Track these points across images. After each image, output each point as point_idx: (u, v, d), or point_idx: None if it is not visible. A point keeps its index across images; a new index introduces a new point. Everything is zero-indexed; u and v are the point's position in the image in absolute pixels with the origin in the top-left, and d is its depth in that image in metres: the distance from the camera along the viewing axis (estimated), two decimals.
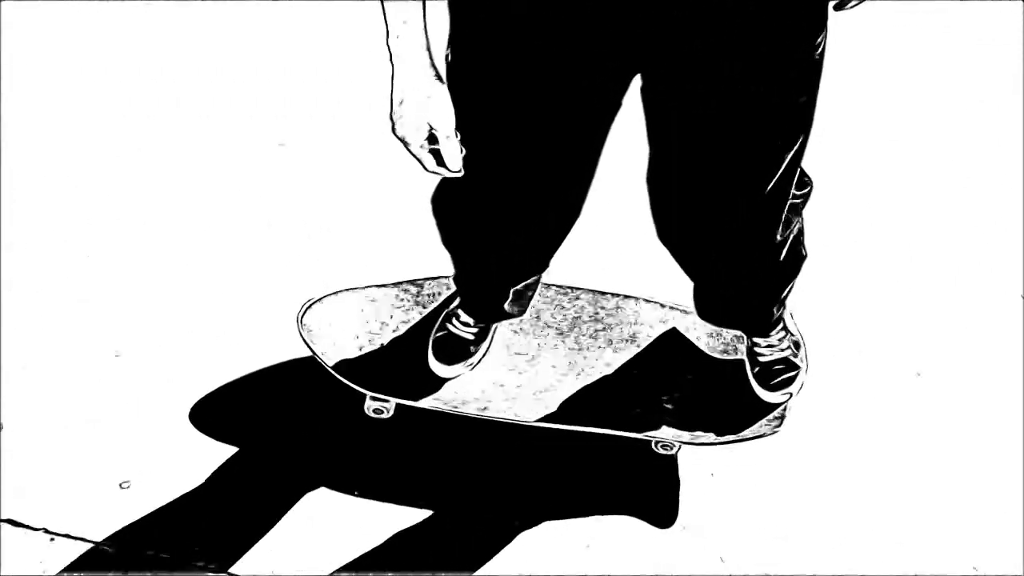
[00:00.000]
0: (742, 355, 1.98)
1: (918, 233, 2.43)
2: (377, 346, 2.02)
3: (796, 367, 1.92)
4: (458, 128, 1.30)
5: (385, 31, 1.24)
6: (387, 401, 1.99)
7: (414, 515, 1.92)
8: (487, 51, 1.31)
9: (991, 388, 2.15)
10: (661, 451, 1.94)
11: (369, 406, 2.01)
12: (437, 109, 1.27)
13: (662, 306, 2.07)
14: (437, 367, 1.98)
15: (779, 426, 1.90)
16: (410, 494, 1.95)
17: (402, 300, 2.08)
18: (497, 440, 2.02)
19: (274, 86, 2.70)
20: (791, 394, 1.91)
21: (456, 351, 1.97)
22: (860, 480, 1.99)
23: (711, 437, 1.87)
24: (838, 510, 1.94)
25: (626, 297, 2.09)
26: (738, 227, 1.48)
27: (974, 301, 2.30)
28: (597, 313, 2.07)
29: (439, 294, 2.09)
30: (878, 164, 2.58)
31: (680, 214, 1.50)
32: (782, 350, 1.92)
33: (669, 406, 1.91)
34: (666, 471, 1.95)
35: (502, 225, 1.55)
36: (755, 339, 1.92)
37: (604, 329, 2.04)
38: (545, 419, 1.90)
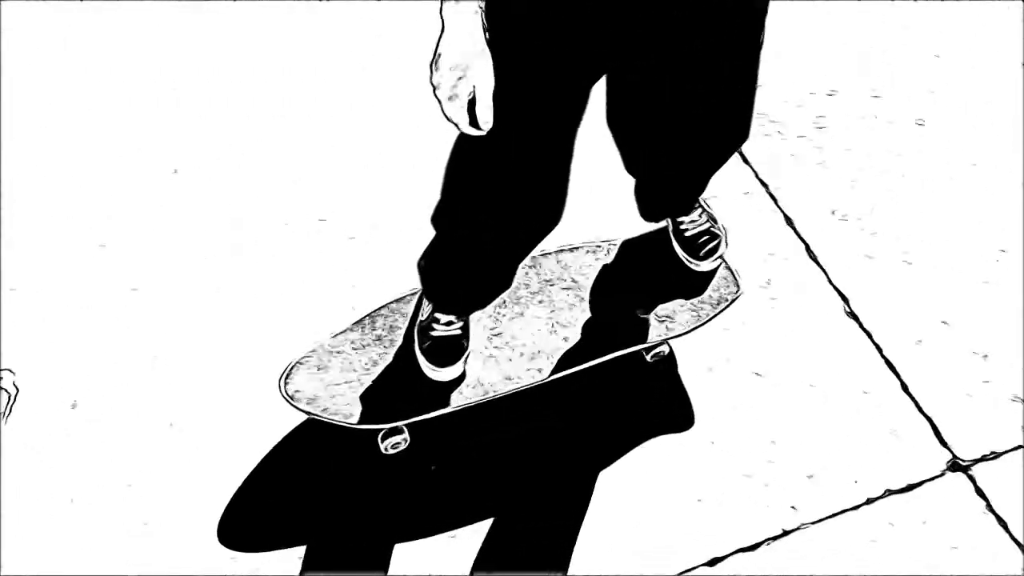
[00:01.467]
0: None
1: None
2: (366, 386, 2.07)
3: (717, 235, 2.16)
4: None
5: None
6: (402, 432, 2.06)
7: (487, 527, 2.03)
8: (519, 32, 1.47)
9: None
10: (653, 359, 2.17)
11: (386, 444, 2.06)
12: (483, 75, 1.42)
13: (597, 246, 2.23)
14: (437, 373, 2.05)
15: (738, 289, 2.16)
16: (470, 508, 2.05)
17: (364, 338, 2.13)
18: (516, 428, 2.14)
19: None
20: (721, 258, 2.17)
21: (451, 351, 2.06)
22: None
23: (691, 323, 2.11)
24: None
25: (562, 251, 2.22)
26: (710, 155, 1.80)
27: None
28: (548, 273, 2.20)
29: (395, 322, 2.16)
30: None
31: (653, 153, 1.77)
32: (703, 223, 2.16)
33: (643, 315, 2.12)
34: (668, 378, 2.19)
35: (530, 180, 1.69)
36: (680, 219, 2.15)
37: (558, 281, 2.19)
38: (555, 371, 2.06)
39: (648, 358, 2.17)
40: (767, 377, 2.19)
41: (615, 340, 2.10)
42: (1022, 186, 2.48)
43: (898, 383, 2.19)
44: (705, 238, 2.16)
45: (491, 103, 1.45)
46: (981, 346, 2.22)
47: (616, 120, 1.76)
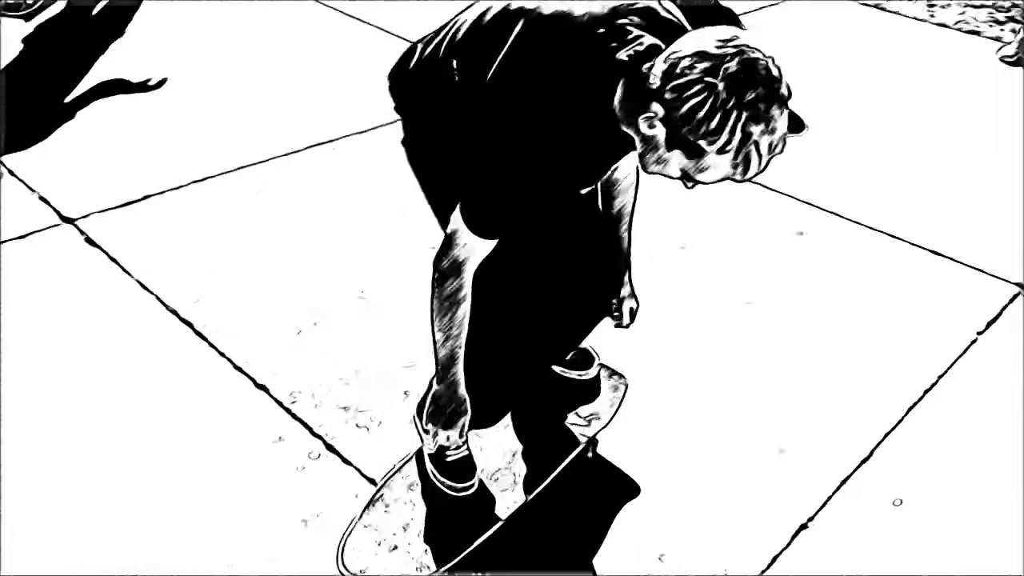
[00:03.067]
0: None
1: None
2: (412, 541, 2.46)
3: (586, 349, 2.83)
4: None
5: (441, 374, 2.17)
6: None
7: None
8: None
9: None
10: (591, 455, 2.79)
11: None
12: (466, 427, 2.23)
13: None
14: (461, 489, 2.49)
15: (623, 378, 2.94)
16: None
17: (386, 505, 2.54)
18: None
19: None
20: (600, 364, 2.86)
21: (467, 468, 2.50)
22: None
23: (607, 416, 2.82)
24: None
25: None
26: None
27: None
28: None
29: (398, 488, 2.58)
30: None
31: None
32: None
33: (571, 423, 2.78)
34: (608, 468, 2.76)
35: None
36: None
37: None
38: (539, 482, 2.61)
39: (589, 454, 2.79)
40: None
41: (563, 447, 2.72)
42: None
43: None
44: (580, 354, 2.81)
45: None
46: None
47: None
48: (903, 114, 4.97)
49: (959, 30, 6.19)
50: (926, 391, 3.08)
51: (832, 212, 4.00)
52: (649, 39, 1.88)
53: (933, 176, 4.37)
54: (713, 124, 1.66)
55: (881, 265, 3.71)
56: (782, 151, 1.74)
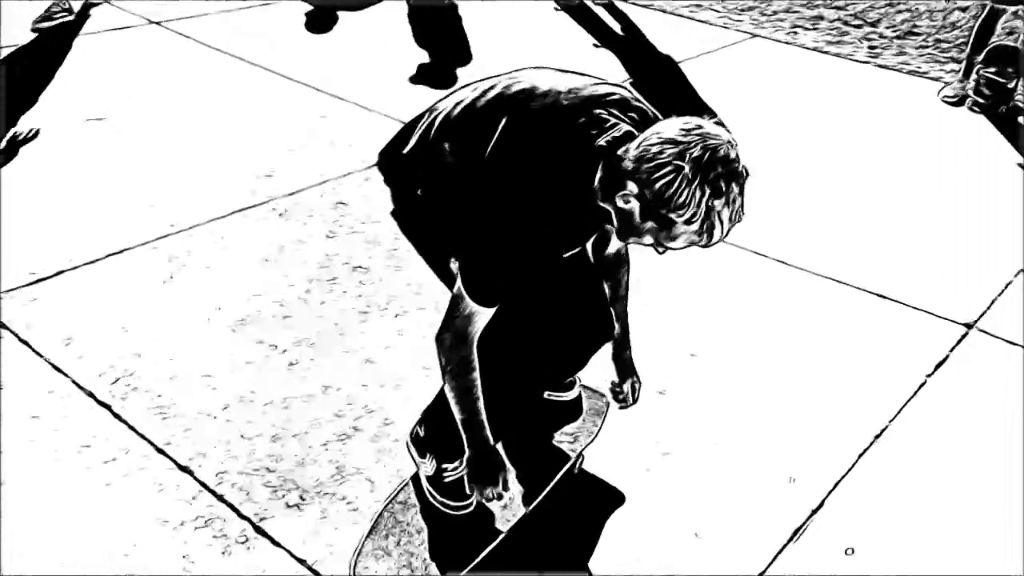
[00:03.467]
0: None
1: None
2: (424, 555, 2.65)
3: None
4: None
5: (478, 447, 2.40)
6: None
7: None
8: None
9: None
10: (577, 470, 2.98)
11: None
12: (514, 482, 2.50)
13: None
14: (461, 508, 2.69)
15: (604, 396, 3.07)
16: None
17: (389, 528, 2.71)
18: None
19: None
20: (582, 387, 3.04)
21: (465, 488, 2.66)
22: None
23: (591, 433, 3.01)
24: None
25: None
26: None
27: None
28: None
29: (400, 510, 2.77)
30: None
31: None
32: None
33: (562, 441, 2.97)
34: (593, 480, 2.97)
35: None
36: None
37: None
38: (535, 496, 2.81)
39: (576, 470, 2.97)
40: None
41: (553, 463, 2.93)
42: None
43: None
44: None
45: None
46: None
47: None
48: (847, 157, 5.04)
49: (900, 71, 6.32)
50: (876, 436, 3.07)
51: (777, 260, 4.03)
52: (624, 126, 2.20)
53: (877, 218, 4.42)
54: (681, 200, 1.97)
55: (828, 310, 3.72)
56: (741, 220, 2.04)
